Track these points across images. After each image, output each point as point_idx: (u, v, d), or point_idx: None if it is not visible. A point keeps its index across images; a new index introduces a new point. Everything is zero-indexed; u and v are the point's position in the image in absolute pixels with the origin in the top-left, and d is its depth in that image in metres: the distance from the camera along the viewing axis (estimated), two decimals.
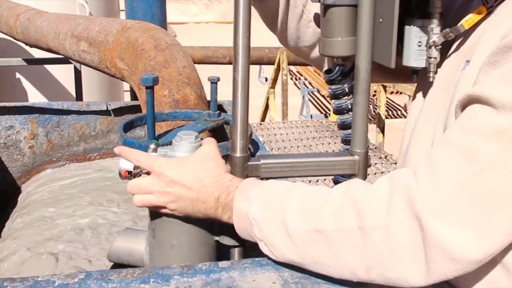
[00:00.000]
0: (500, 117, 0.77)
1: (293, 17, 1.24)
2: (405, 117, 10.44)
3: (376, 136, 5.84)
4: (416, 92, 1.14)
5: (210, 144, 1.06)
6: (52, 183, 2.14)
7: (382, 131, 5.90)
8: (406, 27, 1.02)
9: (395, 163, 3.90)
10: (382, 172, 3.56)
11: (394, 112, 10.88)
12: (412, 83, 1.18)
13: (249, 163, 1.08)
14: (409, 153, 1.08)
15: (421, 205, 0.79)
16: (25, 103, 2.32)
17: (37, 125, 2.31)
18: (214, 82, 1.58)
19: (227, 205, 0.97)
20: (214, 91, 1.61)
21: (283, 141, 4.29)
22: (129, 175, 1.06)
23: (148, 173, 1.03)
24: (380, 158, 3.87)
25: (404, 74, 1.24)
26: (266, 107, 8.14)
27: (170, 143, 1.11)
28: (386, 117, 6.28)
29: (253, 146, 1.66)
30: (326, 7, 1.10)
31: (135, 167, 1.05)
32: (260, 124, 5.24)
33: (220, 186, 0.98)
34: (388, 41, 1.01)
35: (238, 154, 1.07)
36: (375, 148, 4.19)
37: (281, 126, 4.86)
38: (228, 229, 1.02)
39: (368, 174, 3.19)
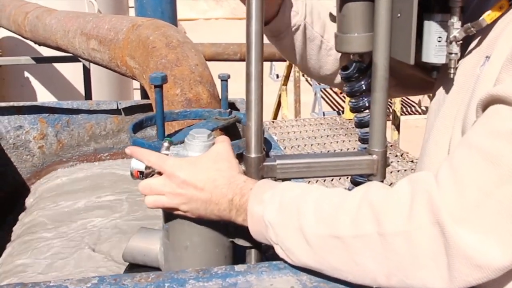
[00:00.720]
0: None
1: (312, 49, 1.25)
2: (420, 113, 10.42)
3: (391, 134, 5.80)
4: (435, 89, 1.12)
5: (223, 143, 1.05)
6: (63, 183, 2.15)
7: (398, 128, 5.87)
8: (426, 22, 1.01)
9: (412, 161, 3.88)
10: (398, 171, 3.54)
11: (409, 109, 10.82)
12: (426, 92, 1.16)
13: (265, 163, 1.07)
14: (428, 152, 1.06)
15: (444, 211, 0.77)
16: (34, 103, 2.33)
17: (46, 125, 2.32)
18: (224, 79, 1.57)
19: (241, 207, 0.96)
20: (224, 88, 1.60)
21: (296, 139, 4.28)
22: (141, 175, 1.05)
23: (160, 173, 1.02)
24: (396, 156, 3.85)
25: (418, 81, 1.23)
26: (278, 104, 8.11)
27: (183, 142, 1.10)
28: (401, 114, 6.24)
29: (266, 145, 1.65)
30: (342, 2, 1.09)
31: (147, 167, 1.04)
32: (273, 122, 5.22)
33: (233, 188, 0.97)
34: (406, 36, 1.00)
35: (253, 154, 1.06)
36: (391, 146, 4.16)
37: (294, 124, 4.85)
38: (243, 230, 1.01)
39: None
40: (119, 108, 2.35)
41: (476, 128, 0.83)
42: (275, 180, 1.11)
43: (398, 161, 3.73)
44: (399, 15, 1.02)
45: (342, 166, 1.11)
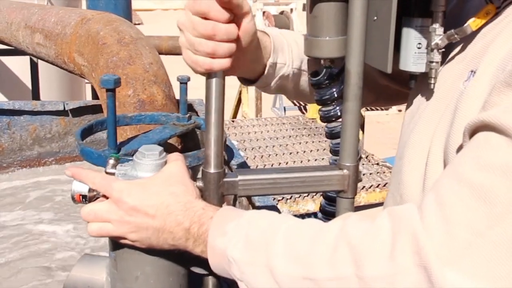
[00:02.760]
0: None
1: (304, 83, 1.21)
2: (382, 109, 10.50)
3: None
4: (410, 100, 1.07)
5: (176, 161, 0.97)
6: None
7: (362, 128, 5.87)
8: (404, 26, 0.95)
9: (377, 164, 3.85)
10: (363, 174, 3.51)
11: None
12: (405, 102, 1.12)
13: (225, 179, 1.00)
14: (403, 171, 1.01)
15: (430, 253, 0.71)
16: None
17: None
18: (183, 82, 1.49)
19: (199, 237, 0.89)
20: (183, 92, 1.53)
21: (257, 140, 4.21)
22: (83, 200, 0.97)
23: (106, 196, 0.94)
24: (361, 158, 3.82)
25: (395, 92, 1.19)
26: (239, 101, 8.05)
27: (133, 155, 1.02)
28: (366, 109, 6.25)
29: (227, 154, 1.58)
30: (313, 2, 1.03)
31: (90, 190, 0.96)
32: (233, 121, 5.15)
33: (191, 215, 0.90)
34: (384, 42, 0.94)
35: (212, 170, 0.99)
36: None
37: (255, 124, 4.78)
38: (200, 257, 0.94)
39: None
40: (66, 109, 2.24)
41: (465, 158, 0.77)
42: (238, 197, 1.04)
43: (363, 164, 3.70)
44: (375, 18, 0.96)
45: (310, 182, 1.04)
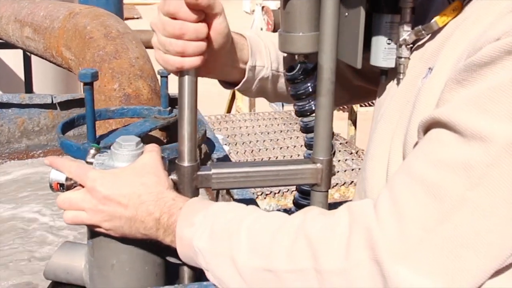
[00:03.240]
0: (469, 149, 0.71)
1: (282, 86, 1.22)
2: None
3: (348, 129, 5.82)
4: (378, 95, 1.08)
5: (151, 152, 0.98)
6: None
7: (354, 123, 5.88)
8: (375, 23, 0.96)
9: None
10: (352, 169, 3.52)
11: None
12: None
13: (199, 173, 1.01)
14: (367, 167, 1.02)
15: (382, 248, 0.73)
16: None
17: None
18: (164, 76, 1.50)
19: (169, 227, 0.90)
20: (164, 85, 1.54)
21: (248, 134, 4.22)
22: (61, 188, 0.98)
23: (82, 186, 0.95)
24: (351, 153, 3.83)
25: (369, 91, 1.20)
26: (233, 96, 8.04)
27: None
28: (360, 105, 6.25)
29: (209, 147, 1.59)
30: None
31: (67, 179, 0.97)
32: (225, 116, 5.16)
33: (161, 205, 0.91)
34: (354, 38, 0.95)
35: (186, 163, 1.00)
36: (346, 142, 4.15)
37: (247, 118, 4.79)
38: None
39: (338, 171, 3.13)
40: (54, 102, 2.24)
41: (417, 154, 0.79)
42: (212, 190, 1.05)
43: (353, 159, 3.71)
44: (346, 14, 0.97)
45: (283, 175, 1.06)
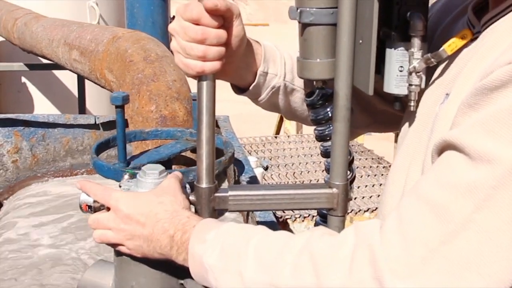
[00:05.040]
0: (475, 171, 0.71)
1: (296, 101, 1.22)
2: None
3: (394, 152, 5.75)
4: (402, 124, 1.08)
5: (170, 178, 1.01)
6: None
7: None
8: (387, 50, 0.97)
9: None
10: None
11: None
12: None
13: (216, 194, 1.03)
14: (386, 192, 1.02)
15: (385, 267, 0.73)
16: (9, 115, 2.31)
17: (21, 138, 2.30)
18: (195, 99, 1.53)
19: (182, 245, 0.92)
20: (195, 108, 1.57)
21: (291, 156, 4.23)
22: (89, 209, 1.03)
23: (109, 208, 1.00)
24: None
25: (392, 117, 1.19)
26: (281, 118, 8.06)
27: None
28: None
29: (238, 168, 1.61)
30: (304, 26, 1.06)
31: (95, 201, 1.02)
32: (270, 138, 5.18)
33: (175, 223, 0.93)
34: (366, 65, 0.96)
35: (203, 184, 1.02)
36: (389, 166, 4.11)
37: (291, 140, 4.81)
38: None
39: (378, 195, 3.07)
40: (97, 123, 2.32)
41: (427, 176, 0.79)
42: (229, 211, 1.07)
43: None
44: (360, 41, 0.98)
45: (299, 199, 1.07)
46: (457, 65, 0.89)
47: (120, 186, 1.10)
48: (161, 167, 1.06)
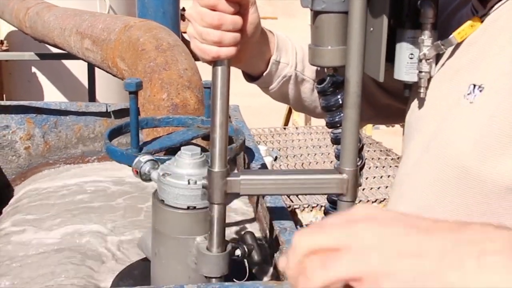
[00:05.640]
0: None
1: (305, 92, 1.24)
2: None
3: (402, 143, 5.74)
4: (410, 111, 1.10)
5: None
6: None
7: None
8: (398, 37, 0.99)
9: None
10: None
11: None
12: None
13: (228, 178, 1.06)
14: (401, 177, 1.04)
15: None
16: (21, 102, 2.33)
17: (33, 126, 2.32)
18: (207, 87, 1.56)
19: None
20: (207, 96, 1.59)
21: (300, 148, 4.24)
22: None
23: None
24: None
25: (396, 111, 1.21)
26: (290, 109, 8.08)
27: (153, 153, 1.13)
28: None
29: (248, 156, 1.63)
30: (315, 13, 1.07)
31: None
32: (279, 129, 5.19)
33: None
34: (377, 52, 0.98)
35: (216, 168, 1.04)
36: (398, 158, 4.12)
37: (300, 132, 4.82)
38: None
39: (387, 187, 3.08)
40: (109, 110, 2.34)
41: None
42: (240, 195, 1.09)
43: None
44: (371, 29, 1.00)
45: (310, 184, 1.09)
46: (471, 52, 0.90)
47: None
48: (198, 149, 1.13)
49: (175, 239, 1.10)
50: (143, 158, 1.18)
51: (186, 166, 1.10)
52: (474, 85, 0.89)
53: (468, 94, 0.90)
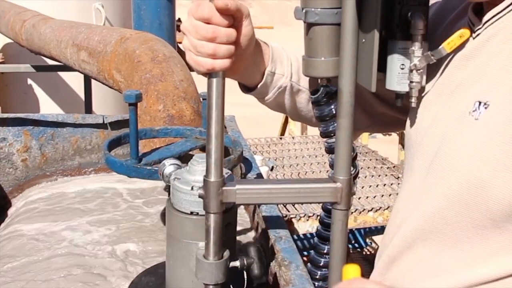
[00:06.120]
0: None
1: (301, 102, 1.26)
2: None
3: (398, 154, 5.77)
4: (408, 120, 1.12)
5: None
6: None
7: None
8: (389, 48, 1.01)
9: None
10: (397, 194, 3.52)
11: None
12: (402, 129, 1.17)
13: (224, 188, 1.07)
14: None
15: None
16: (18, 115, 2.35)
17: (30, 138, 2.34)
18: (205, 98, 1.58)
19: None
20: (205, 107, 1.61)
21: (296, 157, 4.27)
22: None
23: None
24: (398, 178, 3.83)
25: (391, 120, 1.22)
26: (286, 119, 8.10)
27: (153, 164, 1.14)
28: None
29: (246, 166, 1.65)
30: (309, 25, 1.10)
31: None
32: (275, 138, 5.22)
33: None
34: (369, 62, 1.00)
35: (212, 178, 1.06)
36: (394, 167, 4.15)
37: (296, 141, 4.84)
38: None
39: (382, 195, 3.11)
40: (105, 122, 2.36)
41: None
42: (236, 205, 1.11)
43: (398, 184, 3.71)
44: (363, 40, 1.02)
45: (304, 193, 1.11)
46: (470, 66, 0.92)
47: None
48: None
49: (180, 242, 1.13)
50: (168, 161, 1.21)
51: (196, 173, 1.13)
52: (480, 102, 0.91)
53: (474, 111, 0.92)
